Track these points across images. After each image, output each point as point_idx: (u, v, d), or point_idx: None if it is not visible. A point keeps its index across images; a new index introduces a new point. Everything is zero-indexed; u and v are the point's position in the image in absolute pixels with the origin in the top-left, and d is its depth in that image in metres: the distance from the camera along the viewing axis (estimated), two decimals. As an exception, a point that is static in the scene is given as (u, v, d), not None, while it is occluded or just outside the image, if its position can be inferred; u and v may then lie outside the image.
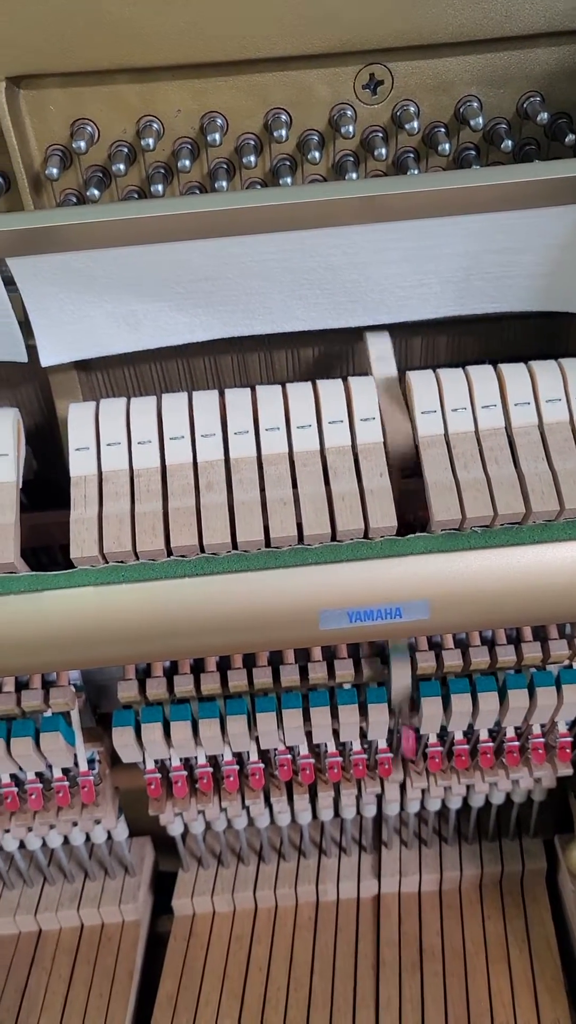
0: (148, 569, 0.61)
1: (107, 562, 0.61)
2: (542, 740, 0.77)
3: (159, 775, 0.77)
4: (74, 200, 0.65)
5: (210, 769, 0.76)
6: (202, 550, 0.60)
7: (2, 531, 0.60)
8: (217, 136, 0.60)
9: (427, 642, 0.74)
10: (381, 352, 0.66)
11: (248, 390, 0.64)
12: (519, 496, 0.60)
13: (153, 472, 0.62)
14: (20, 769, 0.75)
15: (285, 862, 0.96)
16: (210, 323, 0.65)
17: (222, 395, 0.64)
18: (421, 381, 0.64)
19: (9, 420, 0.63)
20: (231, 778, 0.76)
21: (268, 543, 0.60)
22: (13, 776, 0.77)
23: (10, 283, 0.60)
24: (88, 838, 0.90)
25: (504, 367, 0.64)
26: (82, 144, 0.60)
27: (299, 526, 0.60)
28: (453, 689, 0.72)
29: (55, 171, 0.61)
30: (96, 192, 0.62)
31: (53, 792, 0.78)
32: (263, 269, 0.61)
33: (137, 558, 0.60)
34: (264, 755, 0.77)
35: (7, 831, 0.85)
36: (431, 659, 0.72)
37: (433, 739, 0.77)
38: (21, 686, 0.73)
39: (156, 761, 0.77)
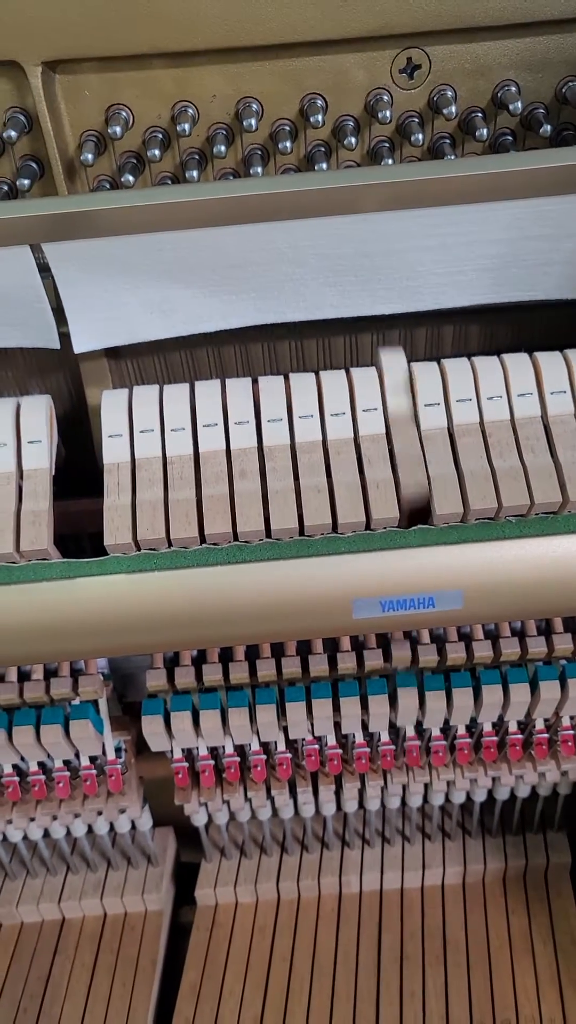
0: (180, 557, 0.61)
1: (139, 549, 0.60)
2: (572, 732, 0.77)
3: (186, 764, 0.77)
4: (108, 186, 0.64)
5: (237, 759, 0.76)
6: (235, 538, 0.60)
7: (36, 517, 0.60)
8: (253, 122, 0.60)
9: (456, 632, 0.73)
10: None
11: (281, 378, 0.64)
12: (556, 485, 0.59)
13: (186, 459, 0.62)
14: (49, 757, 0.75)
15: (308, 854, 0.96)
16: (243, 310, 0.64)
17: (255, 383, 0.64)
18: (456, 369, 0.63)
19: (42, 407, 0.63)
20: (259, 768, 0.76)
21: (302, 531, 0.60)
22: (41, 764, 0.77)
23: (44, 269, 0.60)
24: (112, 827, 0.90)
25: (540, 355, 0.63)
26: (117, 129, 0.60)
27: (333, 514, 0.60)
28: (484, 680, 0.72)
29: (90, 157, 0.61)
30: (131, 178, 0.62)
31: (80, 781, 0.78)
32: (297, 255, 0.60)
33: (170, 545, 0.60)
34: (291, 745, 0.77)
35: (32, 819, 0.85)
36: (461, 650, 0.72)
37: (462, 730, 0.76)
38: (50, 674, 0.73)
39: (183, 750, 0.77)
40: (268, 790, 0.83)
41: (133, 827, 0.90)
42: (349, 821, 0.96)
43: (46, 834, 0.90)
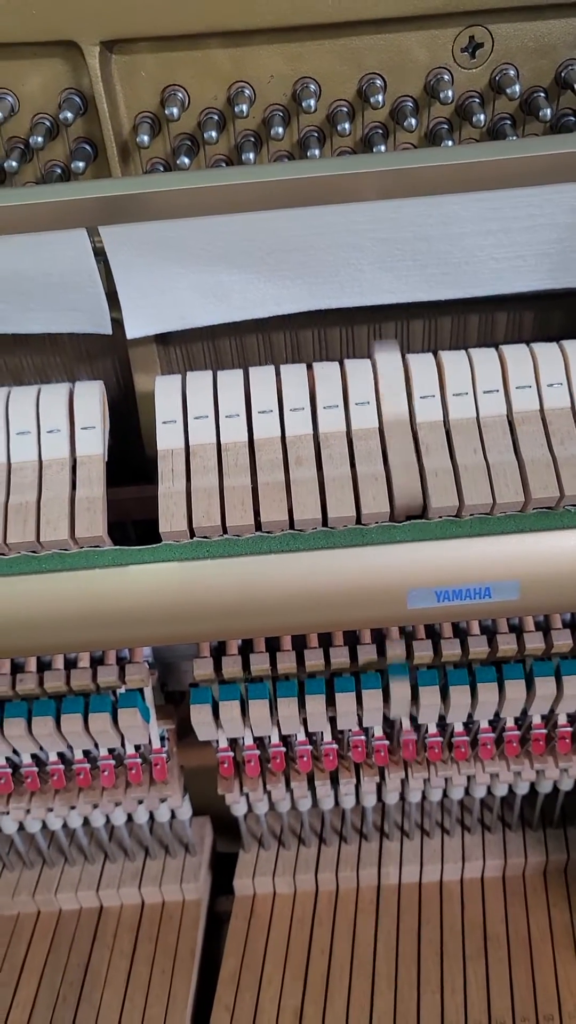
0: (233, 545, 0.60)
1: (193, 537, 0.60)
2: (622, 726, 0.76)
3: (231, 754, 0.76)
4: (161, 169, 0.63)
5: (283, 749, 0.76)
6: (291, 526, 0.59)
7: (91, 504, 0.60)
8: (312, 102, 0.59)
9: (506, 624, 0.72)
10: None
11: (336, 363, 0.63)
12: (619, 473, 0.58)
13: (241, 446, 0.61)
14: (95, 747, 0.75)
15: (347, 845, 0.96)
16: (298, 295, 0.63)
17: (310, 368, 0.63)
18: (515, 356, 0.62)
19: (95, 393, 0.63)
20: (304, 758, 0.76)
21: (358, 520, 0.59)
22: (86, 752, 0.77)
23: (97, 253, 0.60)
24: (152, 816, 0.90)
25: (601, 342, 0.62)
26: (175, 111, 0.59)
27: (391, 502, 0.59)
28: (537, 672, 0.71)
29: (146, 139, 0.60)
30: (186, 160, 0.61)
31: (125, 769, 0.78)
32: (355, 239, 0.59)
33: (225, 533, 0.60)
34: (336, 735, 0.76)
35: (73, 808, 0.85)
36: (512, 641, 0.71)
37: (511, 723, 0.75)
38: (96, 662, 0.73)
39: (228, 739, 0.76)
40: (311, 780, 0.82)
41: (172, 816, 0.90)
42: (388, 812, 0.96)
43: (85, 822, 0.90)
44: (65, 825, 0.90)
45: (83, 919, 0.96)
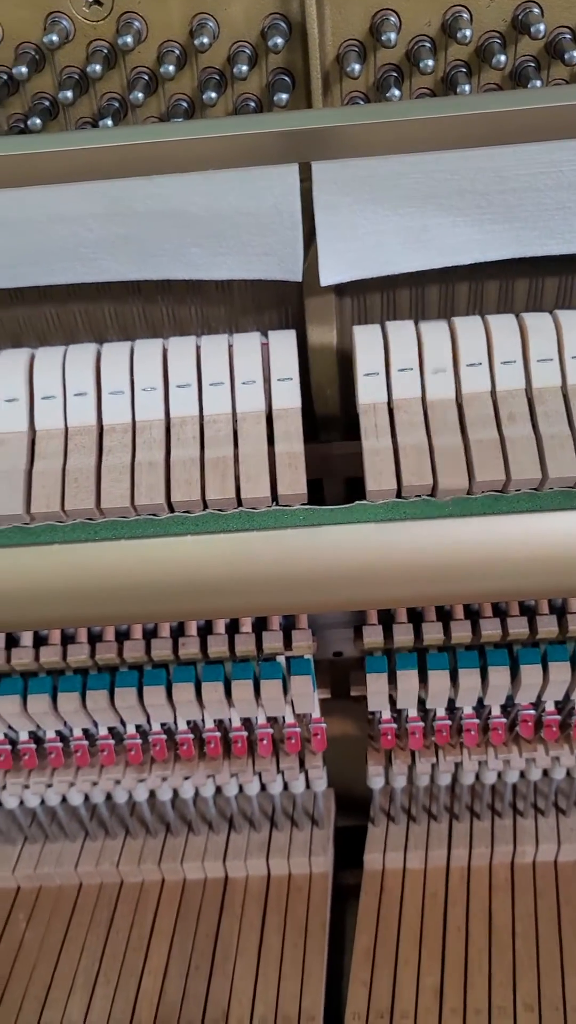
0: (433, 507, 0.57)
1: (399, 496, 0.56)
2: None
3: (395, 725, 0.74)
4: (362, 103, 0.59)
5: (449, 722, 0.73)
6: (506, 488, 0.56)
7: (292, 460, 0.56)
8: (542, 27, 0.54)
9: None
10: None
11: (548, 315, 0.59)
12: None
13: (448, 403, 0.57)
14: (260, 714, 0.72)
15: (479, 821, 0.93)
16: (505, 241, 0.59)
17: (519, 318, 0.59)
18: None
19: (291, 342, 0.59)
20: (472, 732, 0.73)
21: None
22: (245, 720, 0.74)
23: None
24: (286, 787, 0.87)
25: None
26: (392, 36, 0.55)
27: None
28: None
29: (356, 68, 0.56)
30: (396, 92, 0.57)
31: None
32: (581, 179, 0.55)
33: (433, 494, 0.56)
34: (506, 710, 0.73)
35: (210, 776, 0.83)
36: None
37: None
38: (258, 627, 0.70)
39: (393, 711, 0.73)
40: (464, 755, 0.79)
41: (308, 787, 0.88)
42: (520, 790, 0.93)
43: (218, 791, 0.88)
44: (197, 794, 0.88)
45: (208, 889, 0.94)
